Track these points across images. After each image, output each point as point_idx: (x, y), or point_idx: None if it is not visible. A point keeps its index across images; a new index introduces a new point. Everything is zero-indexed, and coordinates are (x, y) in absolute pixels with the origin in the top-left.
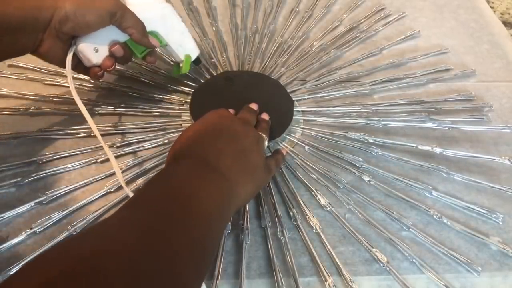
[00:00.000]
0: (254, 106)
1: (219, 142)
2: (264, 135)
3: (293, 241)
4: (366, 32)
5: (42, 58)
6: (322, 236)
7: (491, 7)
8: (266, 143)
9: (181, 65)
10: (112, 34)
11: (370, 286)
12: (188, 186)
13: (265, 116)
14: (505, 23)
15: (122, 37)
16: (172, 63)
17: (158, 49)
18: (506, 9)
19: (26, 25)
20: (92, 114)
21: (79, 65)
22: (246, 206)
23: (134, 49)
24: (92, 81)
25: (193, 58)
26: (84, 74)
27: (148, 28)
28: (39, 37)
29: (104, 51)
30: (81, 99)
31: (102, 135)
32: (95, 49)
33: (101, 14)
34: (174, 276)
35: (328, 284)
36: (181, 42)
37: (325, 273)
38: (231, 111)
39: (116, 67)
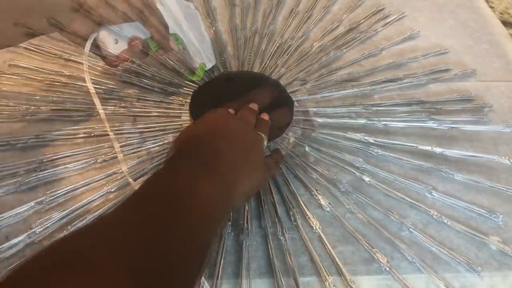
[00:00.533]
0: (253, 106)
1: (218, 142)
2: (263, 135)
3: (293, 241)
4: (366, 33)
5: (67, 36)
6: (322, 236)
7: (491, 7)
8: (265, 143)
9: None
10: (135, 29)
11: (370, 286)
12: (187, 185)
13: (264, 116)
14: (505, 23)
15: (144, 34)
16: (175, 66)
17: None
18: (506, 9)
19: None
20: (92, 116)
21: (98, 50)
22: (246, 206)
23: (151, 44)
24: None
25: (208, 67)
26: (101, 59)
27: (171, 30)
28: (70, 17)
29: (123, 44)
30: (81, 100)
31: (102, 136)
32: (115, 40)
33: (129, 9)
34: (169, 273)
35: (328, 284)
36: (199, 50)
37: (325, 272)
38: (231, 111)
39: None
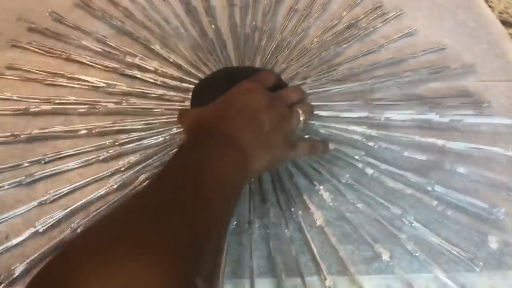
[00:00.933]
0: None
1: (241, 117)
2: (299, 110)
3: (294, 240)
4: (365, 29)
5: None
6: (322, 234)
7: (490, 6)
8: (299, 119)
9: None
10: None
11: (370, 286)
12: (210, 166)
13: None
14: (504, 22)
15: None
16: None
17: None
18: (505, 8)
19: None
20: (93, 112)
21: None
22: (252, 204)
23: None
24: (91, 80)
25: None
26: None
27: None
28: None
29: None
30: (81, 99)
31: (104, 133)
32: None
33: None
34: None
35: (328, 283)
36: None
37: (325, 272)
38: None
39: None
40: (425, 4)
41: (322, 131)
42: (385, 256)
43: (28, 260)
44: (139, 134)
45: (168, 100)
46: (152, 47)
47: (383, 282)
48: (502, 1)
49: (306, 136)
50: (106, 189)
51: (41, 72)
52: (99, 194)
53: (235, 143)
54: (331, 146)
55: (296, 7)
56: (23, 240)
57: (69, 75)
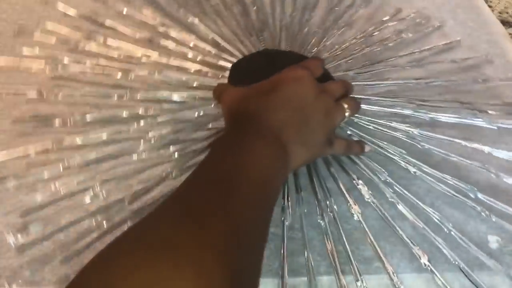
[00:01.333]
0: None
1: (286, 109)
2: (345, 105)
3: (293, 240)
4: (405, 32)
5: None
6: (359, 229)
7: (489, 6)
8: (344, 115)
9: None
10: None
11: (370, 286)
12: (251, 167)
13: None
14: (503, 22)
15: None
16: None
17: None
18: (504, 8)
19: None
20: (126, 84)
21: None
22: (285, 190)
23: None
24: (126, 48)
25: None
26: None
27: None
28: None
29: None
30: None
31: (136, 101)
32: None
33: None
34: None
35: (360, 284)
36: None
37: (357, 271)
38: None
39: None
40: (424, 5)
41: (363, 124)
42: (424, 260)
43: (46, 224)
44: (172, 105)
45: (204, 76)
46: (190, 21)
47: (383, 282)
48: (502, 1)
49: (348, 129)
50: (134, 157)
51: (74, 35)
52: (127, 162)
53: (277, 138)
54: (369, 146)
55: (337, 8)
56: (42, 202)
57: (102, 42)
